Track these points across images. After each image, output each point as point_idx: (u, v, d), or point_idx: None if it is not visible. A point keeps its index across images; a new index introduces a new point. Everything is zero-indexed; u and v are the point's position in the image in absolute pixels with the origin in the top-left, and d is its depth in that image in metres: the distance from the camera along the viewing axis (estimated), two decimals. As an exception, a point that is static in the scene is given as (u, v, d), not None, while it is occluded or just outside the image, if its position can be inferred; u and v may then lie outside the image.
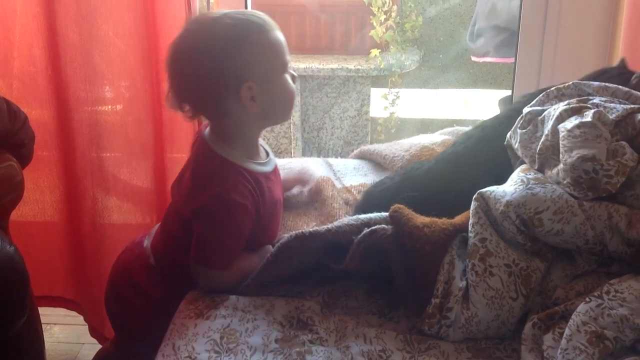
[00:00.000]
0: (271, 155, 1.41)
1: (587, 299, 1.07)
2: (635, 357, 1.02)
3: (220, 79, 1.26)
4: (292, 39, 3.62)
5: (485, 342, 1.15)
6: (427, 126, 4.00)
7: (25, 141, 1.50)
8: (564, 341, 1.02)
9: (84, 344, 2.03)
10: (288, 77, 1.33)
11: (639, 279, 1.10)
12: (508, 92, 2.10)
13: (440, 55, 3.90)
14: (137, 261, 1.40)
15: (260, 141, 1.41)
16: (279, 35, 1.31)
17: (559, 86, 1.37)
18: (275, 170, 1.41)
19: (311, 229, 1.25)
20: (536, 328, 1.10)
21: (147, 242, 1.41)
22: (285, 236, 1.26)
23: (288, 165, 1.81)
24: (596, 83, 1.34)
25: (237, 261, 1.29)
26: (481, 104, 3.88)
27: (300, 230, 1.26)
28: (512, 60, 2.30)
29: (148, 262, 1.38)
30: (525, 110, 1.35)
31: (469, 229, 1.21)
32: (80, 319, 2.02)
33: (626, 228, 1.13)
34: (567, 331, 1.03)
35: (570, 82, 1.35)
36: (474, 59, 3.05)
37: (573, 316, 1.05)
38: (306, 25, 3.63)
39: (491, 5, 2.81)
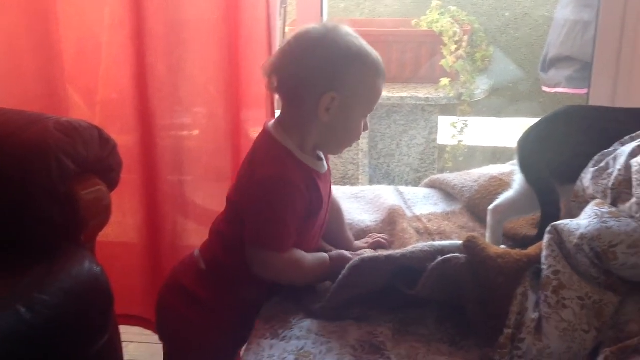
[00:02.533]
0: (324, 161, 1.44)
1: (661, 334, 1.08)
2: None
3: (314, 75, 1.31)
4: (363, 67, 3.68)
5: None
6: (495, 155, 3.98)
7: (114, 167, 1.59)
8: (637, 375, 1.04)
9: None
10: (362, 122, 1.38)
11: None
12: None
13: (511, 84, 3.90)
14: (187, 268, 1.42)
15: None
16: (382, 86, 1.38)
17: (632, 135, 1.37)
18: (327, 174, 1.44)
19: (386, 253, 1.29)
20: (608, 360, 1.11)
21: (197, 251, 1.43)
22: (358, 258, 1.30)
23: (361, 193, 1.87)
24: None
25: (294, 251, 1.32)
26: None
27: (375, 253, 1.31)
28: (583, 91, 2.30)
29: (198, 267, 1.40)
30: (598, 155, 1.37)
31: (542, 261, 1.22)
32: (155, 337, 2.09)
33: None
34: (639, 364, 1.05)
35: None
36: (544, 89, 3.07)
37: (646, 350, 1.06)
38: (378, 54, 3.67)
39: (564, 36, 2.83)
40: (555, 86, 2.96)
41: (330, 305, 1.29)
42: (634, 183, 1.21)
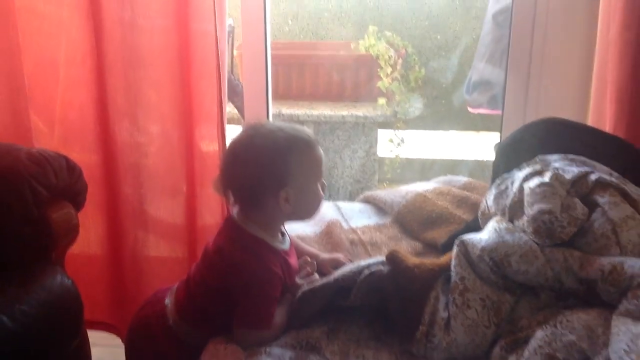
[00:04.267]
0: (287, 235, 1.52)
1: (544, 327, 1.25)
2: (581, 375, 1.20)
3: (264, 181, 1.39)
4: (306, 87, 3.76)
5: None
6: (429, 165, 4.14)
7: (80, 191, 1.69)
8: (523, 361, 1.22)
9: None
10: (319, 186, 1.45)
11: (587, 311, 1.27)
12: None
13: (442, 101, 4.07)
14: (157, 319, 1.47)
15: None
16: (320, 152, 1.45)
17: (528, 162, 1.55)
18: (292, 248, 1.52)
19: (323, 281, 1.43)
20: (503, 350, 1.27)
21: (168, 301, 1.48)
22: (302, 289, 1.43)
23: None
24: (558, 155, 1.53)
25: (276, 323, 1.39)
26: (477, 146, 4.06)
27: (312, 284, 1.44)
28: (500, 112, 2.48)
29: (167, 323, 1.45)
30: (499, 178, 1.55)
31: (452, 269, 1.38)
32: (118, 341, 2.18)
33: (579, 269, 1.30)
34: (526, 353, 1.21)
35: (537, 157, 1.55)
36: (469, 109, 3.22)
37: (531, 341, 1.23)
38: (319, 75, 3.75)
39: (485, 62, 2.98)
40: (478, 107, 3.10)
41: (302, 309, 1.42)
42: (526, 204, 1.39)
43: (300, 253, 1.62)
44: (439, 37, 4.12)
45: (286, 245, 1.48)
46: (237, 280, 1.38)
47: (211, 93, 1.92)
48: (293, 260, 1.50)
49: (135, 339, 1.51)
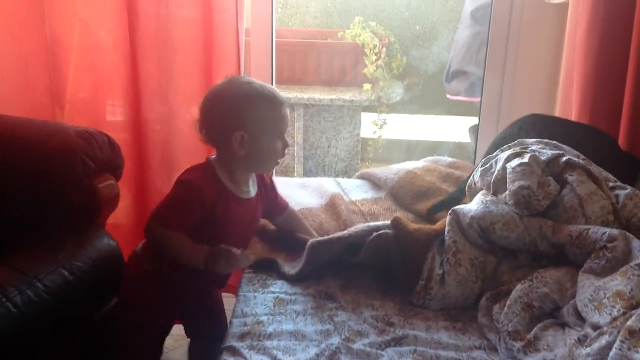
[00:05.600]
0: (252, 191, 1.60)
1: (523, 282, 1.47)
2: (552, 320, 1.42)
3: (223, 120, 1.52)
4: (296, 72, 3.89)
5: (454, 310, 1.52)
6: (408, 146, 4.27)
7: (119, 164, 1.84)
8: (505, 308, 1.41)
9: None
10: (278, 142, 1.55)
11: (558, 269, 1.49)
12: (476, 120, 2.42)
13: (420, 87, 4.21)
14: (129, 261, 1.65)
15: (250, 179, 1.61)
16: (282, 111, 1.54)
17: (510, 144, 1.74)
18: (249, 201, 1.59)
19: (337, 235, 1.62)
20: (488, 301, 1.48)
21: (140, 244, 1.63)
22: (319, 238, 1.62)
23: (307, 183, 2.17)
24: (535, 140, 1.73)
25: (181, 235, 1.47)
26: (453, 129, 4.24)
27: (328, 236, 1.63)
28: (477, 99, 2.66)
29: (134, 258, 1.62)
30: (484, 157, 1.75)
31: (445, 234, 1.58)
32: None
33: (551, 235, 1.51)
34: (508, 302, 1.43)
35: (517, 141, 1.75)
36: (448, 96, 3.40)
37: (512, 292, 1.44)
38: (309, 61, 3.89)
39: (463, 53, 3.15)
40: (456, 95, 3.27)
41: (300, 273, 1.61)
42: (508, 181, 1.59)
43: (302, 230, 1.78)
44: (417, 27, 4.23)
45: (241, 194, 1.57)
46: (173, 187, 1.52)
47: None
48: (242, 210, 1.58)
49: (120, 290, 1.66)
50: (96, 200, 1.74)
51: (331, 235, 1.63)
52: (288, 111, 1.58)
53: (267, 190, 1.70)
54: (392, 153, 4.14)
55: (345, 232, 1.63)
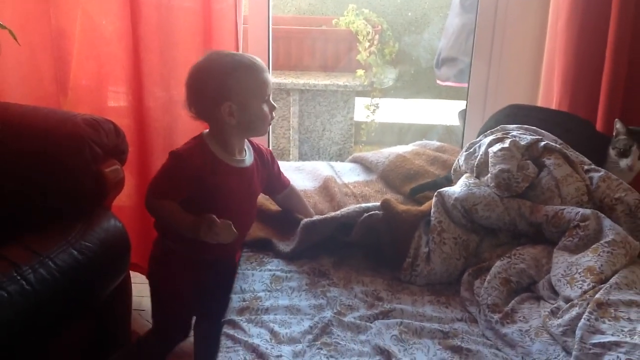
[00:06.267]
0: (247, 160, 1.66)
1: (502, 259, 1.56)
2: (528, 294, 1.51)
3: (209, 94, 1.56)
4: (292, 58, 3.95)
5: (439, 286, 1.60)
6: (400, 129, 4.32)
7: (124, 150, 1.91)
8: (485, 283, 1.50)
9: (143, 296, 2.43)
10: (265, 106, 1.59)
11: (535, 247, 1.57)
12: (464, 105, 2.50)
13: (412, 71, 4.27)
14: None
15: (245, 146, 1.67)
16: (263, 76, 1.58)
17: (492, 130, 1.82)
18: (243, 170, 1.64)
19: (330, 215, 1.70)
20: (470, 276, 1.57)
21: None
22: (312, 218, 1.70)
23: (302, 166, 2.23)
24: (516, 125, 1.81)
25: (171, 204, 1.56)
26: (443, 113, 4.30)
27: (322, 216, 1.71)
28: (466, 85, 2.72)
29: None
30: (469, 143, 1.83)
31: (431, 214, 1.65)
32: (140, 278, 2.41)
33: (529, 215, 1.60)
34: (488, 277, 1.51)
35: (499, 127, 1.82)
36: (438, 82, 3.46)
37: (492, 268, 1.53)
38: (304, 47, 3.95)
39: (452, 41, 3.21)
40: (446, 80, 3.34)
41: (294, 251, 1.68)
42: (490, 164, 1.67)
43: (301, 209, 1.83)
44: (409, 14, 4.27)
45: (236, 164, 1.63)
46: (166, 160, 1.60)
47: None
48: (238, 179, 1.63)
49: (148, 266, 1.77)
50: (103, 184, 1.82)
51: (324, 215, 1.71)
52: (269, 76, 1.61)
53: (266, 162, 1.75)
54: (385, 136, 4.20)
55: (338, 212, 1.70)
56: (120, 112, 2.23)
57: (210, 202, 1.59)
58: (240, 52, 2.17)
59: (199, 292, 1.71)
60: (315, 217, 1.72)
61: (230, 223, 1.53)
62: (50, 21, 2.16)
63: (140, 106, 2.21)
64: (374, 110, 3.99)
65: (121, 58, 2.16)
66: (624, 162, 1.74)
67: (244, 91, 1.57)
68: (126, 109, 2.23)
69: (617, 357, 1.19)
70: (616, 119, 1.78)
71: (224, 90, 1.56)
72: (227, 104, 1.56)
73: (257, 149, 1.73)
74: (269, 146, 2.58)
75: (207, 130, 1.64)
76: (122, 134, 1.92)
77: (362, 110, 4.02)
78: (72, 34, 2.18)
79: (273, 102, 1.63)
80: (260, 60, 1.61)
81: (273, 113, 1.63)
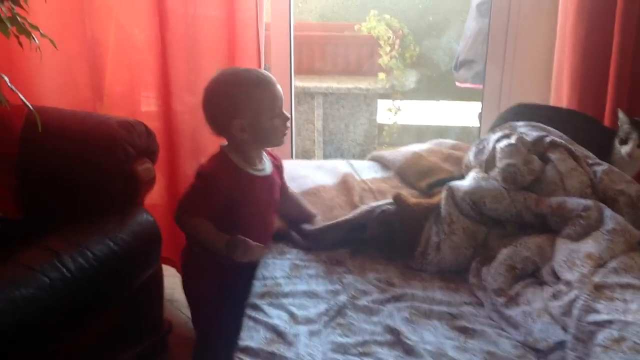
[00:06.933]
0: (267, 169, 1.69)
1: (508, 247, 1.62)
2: (532, 279, 1.57)
3: (219, 113, 1.61)
4: (316, 63, 4.08)
5: (449, 273, 1.67)
6: (422, 131, 4.41)
7: (155, 150, 2.02)
8: (492, 269, 1.57)
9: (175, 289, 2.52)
10: (276, 119, 1.60)
11: (540, 236, 1.63)
12: None
13: (434, 75, 4.33)
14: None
15: (264, 156, 1.70)
16: (270, 90, 1.59)
17: (501, 127, 1.89)
18: (267, 179, 1.68)
19: (343, 219, 1.76)
20: (478, 264, 1.64)
21: None
22: (327, 222, 1.77)
23: (323, 164, 2.30)
24: (523, 122, 1.87)
25: (204, 222, 1.58)
26: (463, 114, 4.35)
27: (335, 220, 1.77)
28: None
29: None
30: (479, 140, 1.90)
31: (441, 207, 1.72)
32: (173, 271, 2.49)
33: (535, 207, 1.66)
34: (493, 264, 1.58)
35: (507, 123, 1.89)
36: (457, 84, 3.53)
37: (498, 256, 1.60)
38: (327, 53, 4.06)
39: (470, 44, 3.28)
40: (464, 82, 3.41)
41: (313, 246, 1.76)
42: (497, 159, 1.74)
43: (301, 209, 1.86)
44: (431, 18, 4.36)
45: (259, 173, 1.67)
46: (193, 179, 1.64)
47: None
48: (260, 188, 1.67)
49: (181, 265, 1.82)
50: (136, 181, 1.93)
51: (338, 220, 1.77)
52: (279, 87, 1.61)
53: (280, 170, 1.80)
54: (407, 138, 4.26)
55: (350, 215, 1.78)
56: (151, 116, 2.34)
57: (239, 213, 1.63)
58: (262, 59, 2.27)
59: (227, 296, 1.71)
60: (329, 222, 1.78)
61: (262, 246, 1.59)
62: (86, 31, 2.29)
63: (169, 110, 2.32)
64: (396, 112, 4.07)
65: (151, 65, 2.28)
66: (623, 150, 1.80)
67: (252, 107, 1.59)
68: (156, 113, 2.34)
69: (610, 333, 1.26)
70: (619, 109, 1.85)
71: (232, 108, 1.59)
72: (238, 121, 1.59)
73: (272, 157, 1.77)
74: (292, 148, 2.68)
75: (226, 143, 1.68)
76: (153, 134, 2.03)
77: (384, 112, 4.10)
78: (106, 43, 2.31)
79: (285, 113, 1.64)
80: (268, 74, 1.63)
81: (287, 123, 1.64)
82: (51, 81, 2.27)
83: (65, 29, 2.25)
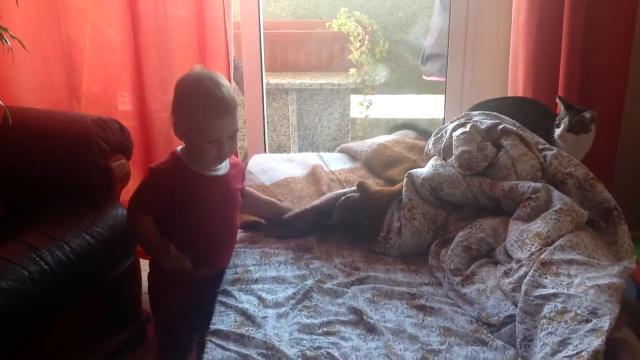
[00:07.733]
0: (222, 170, 1.67)
1: (464, 229, 1.70)
2: (487, 259, 1.64)
3: (172, 115, 1.62)
4: (289, 60, 4.09)
5: (410, 256, 1.74)
6: (393, 124, 4.42)
7: (129, 146, 2.06)
8: (449, 251, 1.64)
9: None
10: (209, 144, 1.57)
11: (495, 219, 1.70)
12: None
13: (405, 69, 4.39)
14: None
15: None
16: (217, 121, 1.55)
17: (458, 117, 1.95)
18: (217, 178, 1.66)
19: (311, 205, 1.83)
20: (437, 246, 1.70)
21: None
22: (296, 210, 1.83)
23: (293, 157, 2.36)
24: (478, 112, 1.94)
25: (143, 217, 1.58)
26: (430, 107, 4.41)
27: (304, 207, 1.83)
28: None
29: None
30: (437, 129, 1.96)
31: (403, 193, 1.79)
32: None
33: (489, 191, 1.73)
34: (451, 245, 1.65)
35: (463, 113, 1.96)
36: (424, 77, 3.59)
37: (455, 238, 1.67)
38: (300, 50, 4.09)
39: (435, 38, 3.35)
40: (430, 75, 3.47)
41: (282, 234, 1.81)
42: (453, 147, 1.81)
43: (264, 203, 1.88)
44: (400, 14, 4.37)
45: (210, 173, 1.65)
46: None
47: (222, 72, 2.30)
48: (211, 188, 1.65)
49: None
50: (111, 176, 1.98)
51: (306, 207, 1.83)
52: (229, 122, 1.58)
53: (241, 174, 1.80)
54: (379, 131, 4.29)
55: (317, 201, 1.84)
56: (127, 114, 2.39)
57: (191, 211, 1.63)
58: (231, 56, 2.31)
59: (195, 306, 1.68)
60: (297, 210, 1.83)
61: (185, 259, 1.58)
62: (61, 33, 2.32)
63: (144, 108, 2.37)
64: (368, 106, 4.11)
65: (126, 65, 2.32)
66: (556, 133, 1.88)
67: (191, 124, 1.59)
68: (132, 112, 2.38)
69: (555, 306, 1.33)
70: (557, 95, 1.93)
71: (179, 116, 1.60)
72: (180, 130, 1.61)
73: (232, 160, 1.74)
74: (265, 143, 2.73)
75: (182, 146, 1.68)
76: (127, 131, 2.08)
77: (356, 107, 4.14)
78: (82, 44, 2.35)
79: (226, 144, 1.59)
80: (231, 104, 1.58)
81: (222, 153, 1.60)
82: (28, 82, 2.30)
83: (40, 31, 2.29)
